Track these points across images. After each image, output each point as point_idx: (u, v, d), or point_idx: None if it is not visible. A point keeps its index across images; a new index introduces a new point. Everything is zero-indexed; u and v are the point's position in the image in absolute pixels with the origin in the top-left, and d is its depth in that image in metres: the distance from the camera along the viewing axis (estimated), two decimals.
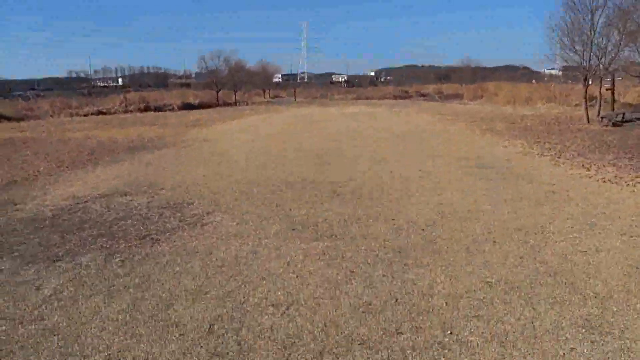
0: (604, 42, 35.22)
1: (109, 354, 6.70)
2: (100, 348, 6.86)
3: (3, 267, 9.96)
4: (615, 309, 7.69)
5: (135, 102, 69.94)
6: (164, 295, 8.51)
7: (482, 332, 7.09)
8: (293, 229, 11.96)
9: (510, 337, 6.93)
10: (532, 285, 8.63)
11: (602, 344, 6.72)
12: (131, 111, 64.64)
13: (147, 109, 66.88)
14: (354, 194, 15.40)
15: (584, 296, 8.15)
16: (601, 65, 35.67)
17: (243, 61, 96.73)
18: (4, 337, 7.21)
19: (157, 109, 67.50)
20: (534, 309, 7.77)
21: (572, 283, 8.66)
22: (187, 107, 70.69)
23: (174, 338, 7.09)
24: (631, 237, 10.88)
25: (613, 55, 35.34)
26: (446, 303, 8.02)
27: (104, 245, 11.14)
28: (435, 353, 6.60)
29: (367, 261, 9.85)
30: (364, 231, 11.73)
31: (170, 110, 67.19)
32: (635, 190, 15.02)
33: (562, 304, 7.90)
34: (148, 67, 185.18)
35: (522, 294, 8.28)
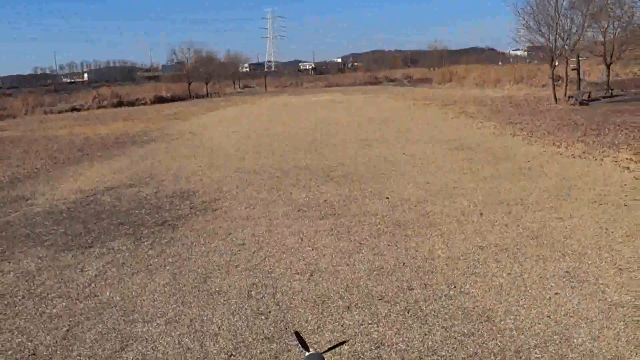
0: (568, 24, 36.94)
1: (168, 319, 7.86)
2: (159, 314, 8.02)
3: (41, 255, 11.01)
4: (589, 262, 9.08)
5: (107, 97, 70.46)
6: (199, 270, 9.67)
7: (481, 285, 8.40)
8: (299, 210, 13.16)
9: (505, 288, 8.26)
10: (518, 247, 9.98)
11: (581, 289, 8.08)
12: (104, 107, 65.24)
13: (120, 104, 67.52)
14: (346, 177, 16.61)
15: (563, 253, 9.52)
16: (566, 46, 37.35)
17: (213, 52, 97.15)
18: (68, 311, 8.31)
19: (130, 103, 68.19)
20: (521, 265, 9.12)
21: (551, 244, 10.03)
22: (160, 100, 71.40)
23: (219, 303, 8.27)
24: (600, 204, 12.31)
25: (577, 36, 37.05)
26: (447, 264, 9.32)
27: (127, 232, 12.21)
28: (444, 303, 7.88)
29: (371, 234, 11.11)
30: (363, 209, 12.98)
31: (143, 104, 67.90)
32: (603, 164, 16.50)
33: (545, 260, 9.27)
34: (114, 61, 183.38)
35: (510, 254, 9.62)
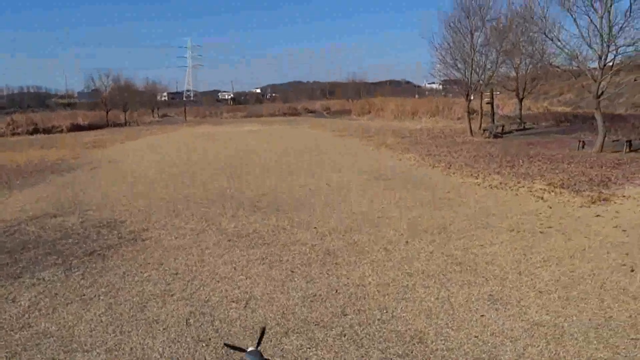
0: (483, 60, 38.80)
1: (108, 347, 7.94)
2: (97, 344, 8.07)
3: None
4: (511, 286, 9.73)
5: (22, 124, 68.42)
6: (134, 299, 9.74)
7: (411, 309, 8.87)
8: (229, 240, 13.36)
9: (434, 311, 8.75)
10: (444, 273, 10.54)
11: (504, 311, 8.68)
12: (19, 134, 63.39)
13: (35, 131, 65.66)
14: (272, 207, 16.93)
15: (486, 278, 10.15)
16: (481, 81, 39.15)
17: (131, 80, 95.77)
18: (3, 342, 8.24)
19: (46, 130, 66.41)
20: (448, 290, 9.66)
21: (474, 269, 10.65)
22: (77, 128, 69.87)
23: (159, 331, 8.40)
24: (518, 232, 13.14)
25: (491, 71, 38.97)
26: (377, 290, 9.76)
27: (56, 262, 12.08)
28: (378, 327, 8.29)
29: (302, 262, 11.45)
30: (292, 238, 13.31)
31: (59, 132, 66.27)
32: (518, 194, 17.51)
33: (470, 285, 9.85)
34: (28, 87, 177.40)
35: (437, 280, 10.16)
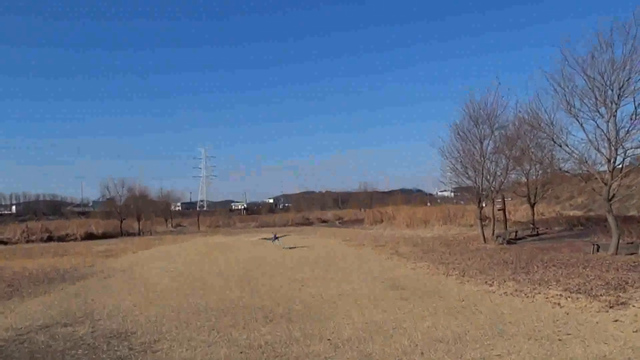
0: (493, 167, 39.16)
1: None
2: None
3: None
4: None
5: (36, 231, 69.16)
6: None
7: None
8: (241, 352, 13.11)
9: None
10: None
11: None
12: (33, 241, 64.06)
13: (49, 238, 66.31)
14: (285, 317, 16.70)
15: None
16: (492, 188, 39.39)
17: (146, 189, 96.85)
18: None
19: (60, 238, 67.03)
20: None
21: None
22: (90, 236, 70.43)
23: None
24: (536, 340, 12.85)
25: (502, 178, 39.28)
26: None
27: None
28: None
29: None
30: (305, 350, 13.05)
31: (73, 240, 66.78)
32: (534, 301, 17.25)
33: None
34: (44, 195, 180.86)
35: None
